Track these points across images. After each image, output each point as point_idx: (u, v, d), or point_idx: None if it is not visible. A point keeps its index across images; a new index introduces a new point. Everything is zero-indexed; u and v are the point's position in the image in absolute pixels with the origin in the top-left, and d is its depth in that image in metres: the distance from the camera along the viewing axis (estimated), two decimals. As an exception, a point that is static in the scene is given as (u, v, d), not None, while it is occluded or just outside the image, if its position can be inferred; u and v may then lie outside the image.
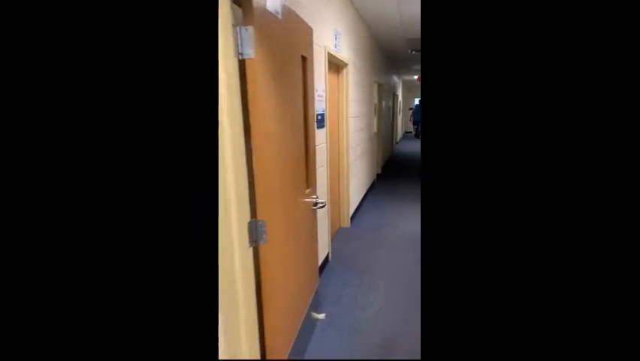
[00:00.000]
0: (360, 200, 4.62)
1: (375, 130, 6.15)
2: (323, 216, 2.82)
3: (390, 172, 7.19)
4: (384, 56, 6.89)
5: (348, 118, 3.63)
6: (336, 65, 3.42)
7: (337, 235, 3.65)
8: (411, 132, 17.95)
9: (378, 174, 6.74)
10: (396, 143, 12.41)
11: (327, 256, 3.00)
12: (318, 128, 2.57)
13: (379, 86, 6.53)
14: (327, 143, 2.81)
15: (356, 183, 4.33)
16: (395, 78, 10.18)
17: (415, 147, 11.88)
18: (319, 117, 2.56)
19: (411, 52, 6.47)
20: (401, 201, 4.94)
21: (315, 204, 1.95)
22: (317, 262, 2.17)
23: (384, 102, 7.17)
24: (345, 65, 3.47)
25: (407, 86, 16.68)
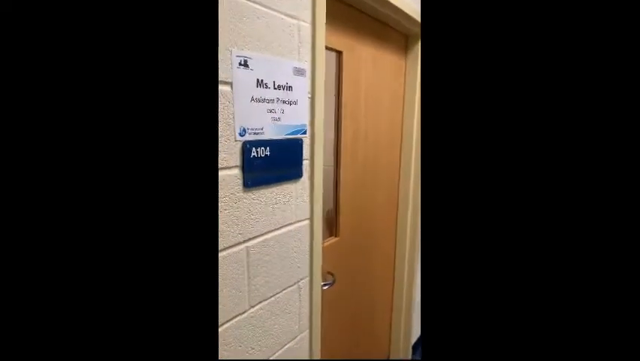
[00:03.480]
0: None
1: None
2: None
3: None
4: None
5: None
6: (394, 31, 1.59)
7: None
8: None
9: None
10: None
11: None
12: (267, 183, 0.84)
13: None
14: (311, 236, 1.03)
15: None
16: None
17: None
18: (276, 149, 0.83)
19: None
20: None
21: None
22: None
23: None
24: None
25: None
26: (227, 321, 0.81)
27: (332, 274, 1.31)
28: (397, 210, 1.79)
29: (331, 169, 1.32)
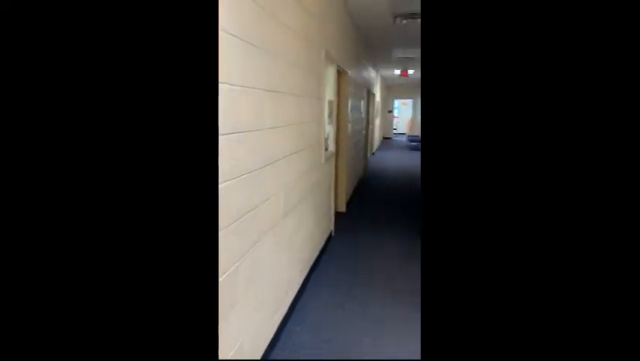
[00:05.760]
0: (292, 299, 2.08)
1: (331, 148, 3.62)
2: None
3: (361, 208, 4.68)
4: (355, 28, 4.39)
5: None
6: None
7: None
8: (389, 138, 15.70)
9: (340, 213, 4.20)
10: (372, 154, 10.00)
11: None
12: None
13: (343, 73, 4.01)
14: None
15: (265, 294, 1.76)
16: (371, 70, 7.73)
17: (395, 157, 9.45)
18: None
19: (396, 19, 3.98)
20: (382, 286, 2.40)
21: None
22: None
23: (351, 101, 4.65)
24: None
25: (387, 84, 14.31)
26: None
27: None
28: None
29: None
